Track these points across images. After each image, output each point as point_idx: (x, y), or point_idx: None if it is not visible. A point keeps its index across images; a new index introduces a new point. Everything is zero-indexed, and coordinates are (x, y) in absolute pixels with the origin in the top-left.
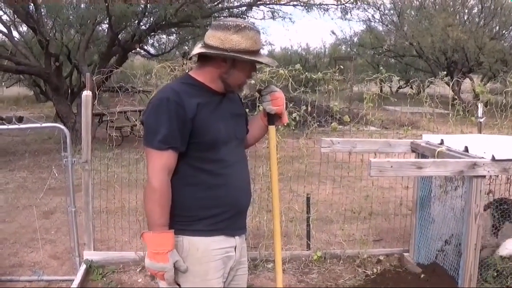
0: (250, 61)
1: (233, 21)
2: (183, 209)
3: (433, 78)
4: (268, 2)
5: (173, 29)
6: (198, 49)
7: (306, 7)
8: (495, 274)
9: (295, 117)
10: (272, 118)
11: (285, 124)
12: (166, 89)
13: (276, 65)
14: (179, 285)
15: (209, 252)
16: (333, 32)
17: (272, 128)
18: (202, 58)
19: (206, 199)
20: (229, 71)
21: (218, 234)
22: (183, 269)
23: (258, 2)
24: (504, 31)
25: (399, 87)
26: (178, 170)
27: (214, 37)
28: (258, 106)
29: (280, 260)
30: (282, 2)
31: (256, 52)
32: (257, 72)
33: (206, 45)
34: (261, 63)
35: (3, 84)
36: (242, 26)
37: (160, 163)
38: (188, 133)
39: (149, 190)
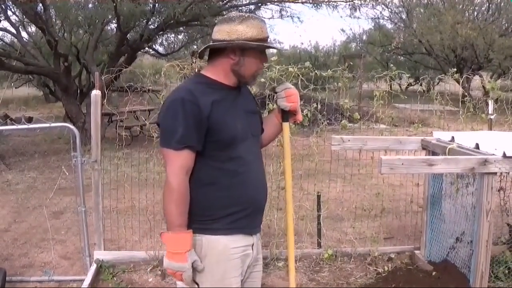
0: (258, 47)
1: (237, 13)
2: (202, 208)
3: (443, 75)
4: (277, 0)
5: (181, 28)
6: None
7: (315, 5)
8: (507, 271)
9: (307, 114)
10: (287, 115)
11: (299, 122)
12: (180, 89)
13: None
14: (197, 284)
15: (228, 251)
16: (342, 30)
17: (286, 125)
18: (213, 55)
19: (225, 198)
20: (240, 61)
21: (236, 233)
22: (200, 268)
23: (267, 0)
24: None
25: (409, 85)
26: (196, 169)
27: (220, 31)
28: (268, 104)
29: (293, 260)
30: (291, 0)
31: (263, 40)
32: (267, 70)
33: (213, 41)
34: (271, 47)
35: (12, 84)
36: (246, 16)
37: (178, 163)
38: (204, 131)
39: (167, 191)
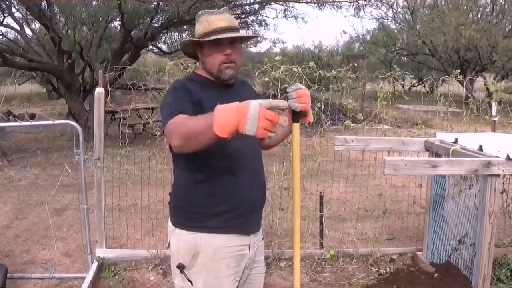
0: (202, 42)
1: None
2: (195, 205)
3: (446, 76)
4: (281, 0)
5: (185, 26)
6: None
7: (319, 5)
8: (509, 273)
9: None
10: (297, 116)
11: (310, 122)
12: (173, 83)
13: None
14: (191, 282)
15: (222, 249)
16: (344, 32)
17: (296, 126)
18: None
19: (218, 195)
20: (202, 58)
21: (230, 232)
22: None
23: (271, 0)
24: None
25: (412, 85)
26: (189, 166)
27: None
28: None
29: (298, 260)
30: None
31: (212, 33)
32: (271, 69)
33: None
34: (208, 40)
35: (15, 81)
36: (199, 14)
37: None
38: (196, 108)
39: (180, 130)
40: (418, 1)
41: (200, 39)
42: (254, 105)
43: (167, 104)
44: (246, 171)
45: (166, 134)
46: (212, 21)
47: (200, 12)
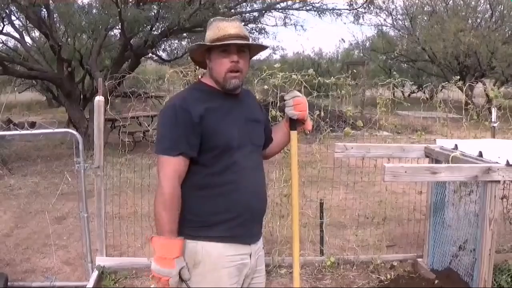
0: (210, 46)
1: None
2: (196, 214)
3: (446, 83)
4: (281, 8)
5: (184, 34)
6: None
7: (319, 12)
8: (509, 279)
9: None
10: (294, 124)
11: (309, 130)
12: (175, 96)
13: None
14: None
15: (223, 258)
16: (343, 40)
17: (294, 134)
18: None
19: (219, 204)
20: (210, 65)
21: (232, 241)
22: (186, 277)
23: (271, 8)
24: None
25: (412, 92)
26: (190, 175)
27: None
28: (271, 111)
29: (297, 261)
30: (295, 7)
31: (221, 39)
32: (270, 77)
33: None
34: (223, 45)
35: (15, 89)
36: (211, 20)
37: (169, 168)
38: (197, 137)
39: (159, 195)
40: (417, 8)
41: (208, 44)
42: (173, 272)
43: (166, 129)
44: (247, 180)
45: (158, 163)
46: (222, 27)
47: (211, 19)
